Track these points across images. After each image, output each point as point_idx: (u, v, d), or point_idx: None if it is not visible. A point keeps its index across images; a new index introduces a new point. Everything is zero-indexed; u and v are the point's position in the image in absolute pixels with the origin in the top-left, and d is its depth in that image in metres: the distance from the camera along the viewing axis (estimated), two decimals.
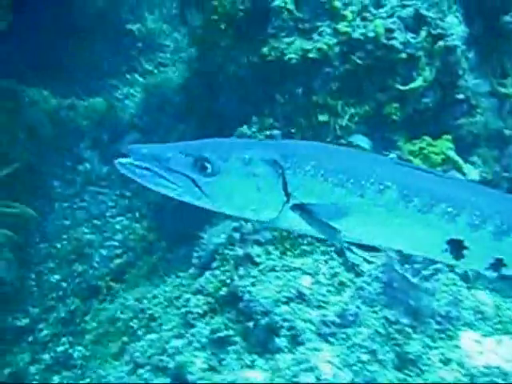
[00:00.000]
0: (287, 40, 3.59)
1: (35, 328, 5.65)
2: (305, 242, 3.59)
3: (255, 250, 3.53)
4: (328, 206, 1.97)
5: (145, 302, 4.24)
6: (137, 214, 6.13)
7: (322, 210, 1.97)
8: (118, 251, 5.95)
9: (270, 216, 2.01)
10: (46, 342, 5.70)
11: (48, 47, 6.02)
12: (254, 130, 3.86)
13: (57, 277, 5.82)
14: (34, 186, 5.94)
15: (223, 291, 3.48)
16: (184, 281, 4.21)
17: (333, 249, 3.54)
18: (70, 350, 5.69)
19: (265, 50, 3.63)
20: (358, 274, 3.42)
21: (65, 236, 6.04)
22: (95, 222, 6.19)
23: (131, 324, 4.21)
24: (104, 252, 5.98)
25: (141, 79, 6.94)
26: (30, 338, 5.64)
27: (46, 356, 5.66)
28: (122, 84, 6.95)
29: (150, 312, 4.10)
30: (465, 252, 1.99)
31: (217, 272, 3.66)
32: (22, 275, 5.61)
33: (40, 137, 5.96)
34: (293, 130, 3.65)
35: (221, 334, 3.27)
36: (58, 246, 6.01)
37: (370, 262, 3.41)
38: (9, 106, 5.40)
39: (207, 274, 3.72)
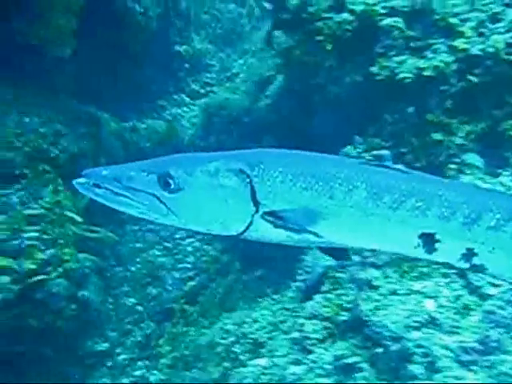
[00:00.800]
0: (398, 59, 3.54)
1: (113, 352, 5.64)
2: (420, 264, 3.49)
3: (373, 273, 3.44)
4: (299, 211, 1.96)
5: (245, 326, 4.16)
6: (207, 236, 6.10)
7: (293, 216, 1.96)
8: (191, 273, 5.93)
9: (239, 228, 1.99)
10: (124, 366, 5.68)
11: (102, 70, 6.09)
12: (359, 150, 3.80)
13: (132, 300, 5.81)
14: (107, 209, 5.94)
15: (343, 316, 3.39)
16: (286, 304, 4.12)
17: (453, 271, 3.43)
18: (147, 374, 5.68)
19: (374, 69, 3.58)
20: (483, 297, 3.30)
21: (138, 259, 6.05)
22: (166, 244, 6.19)
23: (233, 349, 4.13)
24: (177, 274, 5.97)
25: (188, 99, 6.96)
26: (110, 363, 5.63)
27: (125, 380, 5.65)
28: (170, 105, 6.98)
29: (252, 336, 4.02)
30: (437, 245, 2.00)
31: (330, 296, 3.58)
32: (102, 299, 5.62)
33: (114, 160, 5.99)
34: (403, 150, 3.58)
35: (347, 361, 3.17)
36: (133, 269, 6.01)
37: (496, 286, 3.29)
38: (92, 132, 5.44)
39: (318, 297, 3.63)
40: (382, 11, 3.62)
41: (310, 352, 3.40)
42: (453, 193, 2.02)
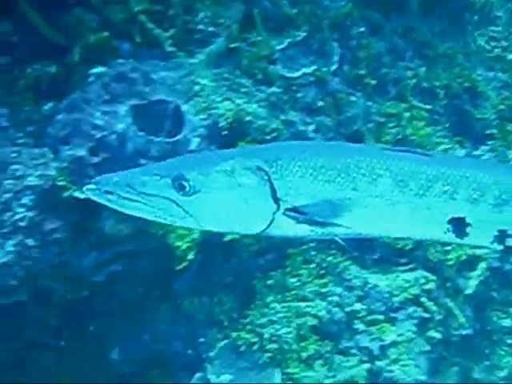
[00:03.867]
0: None
1: None
2: None
3: None
4: (322, 205, 1.95)
5: None
6: None
7: (316, 210, 1.95)
8: None
9: (260, 227, 1.96)
10: None
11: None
12: None
13: None
14: None
15: None
16: None
17: None
18: None
19: None
20: None
21: None
22: None
23: None
24: None
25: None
26: (510, 341, 5.35)
27: None
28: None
29: None
30: (468, 229, 1.99)
31: None
32: None
33: None
34: None
35: None
36: None
37: None
38: None
39: None
40: None
41: None
42: (481, 173, 2.00)
